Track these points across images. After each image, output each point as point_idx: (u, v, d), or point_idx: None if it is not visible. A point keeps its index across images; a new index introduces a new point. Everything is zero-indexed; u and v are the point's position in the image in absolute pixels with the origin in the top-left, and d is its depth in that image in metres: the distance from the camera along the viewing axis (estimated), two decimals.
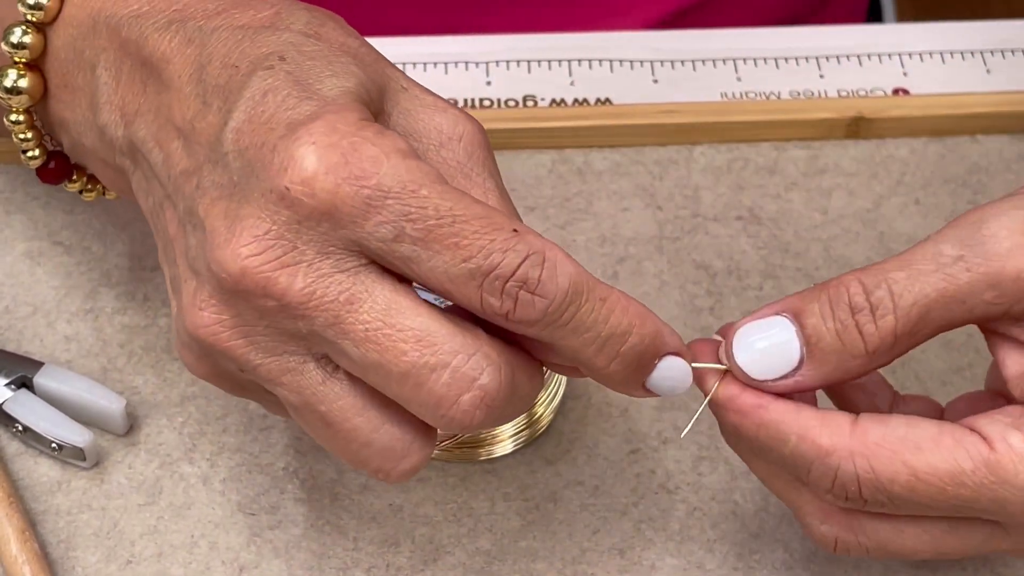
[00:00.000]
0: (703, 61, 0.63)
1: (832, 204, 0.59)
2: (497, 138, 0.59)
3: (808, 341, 0.43)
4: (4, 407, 0.53)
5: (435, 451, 0.51)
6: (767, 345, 0.43)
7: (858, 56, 0.64)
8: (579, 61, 0.63)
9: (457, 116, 0.44)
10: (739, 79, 0.63)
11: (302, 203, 0.40)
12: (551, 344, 0.42)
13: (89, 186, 0.52)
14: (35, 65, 0.49)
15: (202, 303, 0.42)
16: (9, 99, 0.49)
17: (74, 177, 0.52)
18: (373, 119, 0.42)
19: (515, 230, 0.40)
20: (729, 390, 0.44)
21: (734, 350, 0.43)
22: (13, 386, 0.53)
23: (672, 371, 0.43)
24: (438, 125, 0.44)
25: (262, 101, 0.42)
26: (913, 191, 0.60)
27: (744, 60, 0.63)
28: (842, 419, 0.43)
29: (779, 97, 0.62)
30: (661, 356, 0.43)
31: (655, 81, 0.63)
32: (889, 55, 0.63)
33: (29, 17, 0.48)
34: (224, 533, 0.51)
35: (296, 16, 0.44)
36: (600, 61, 0.63)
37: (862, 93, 0.62)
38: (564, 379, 0.53)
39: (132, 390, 0.54)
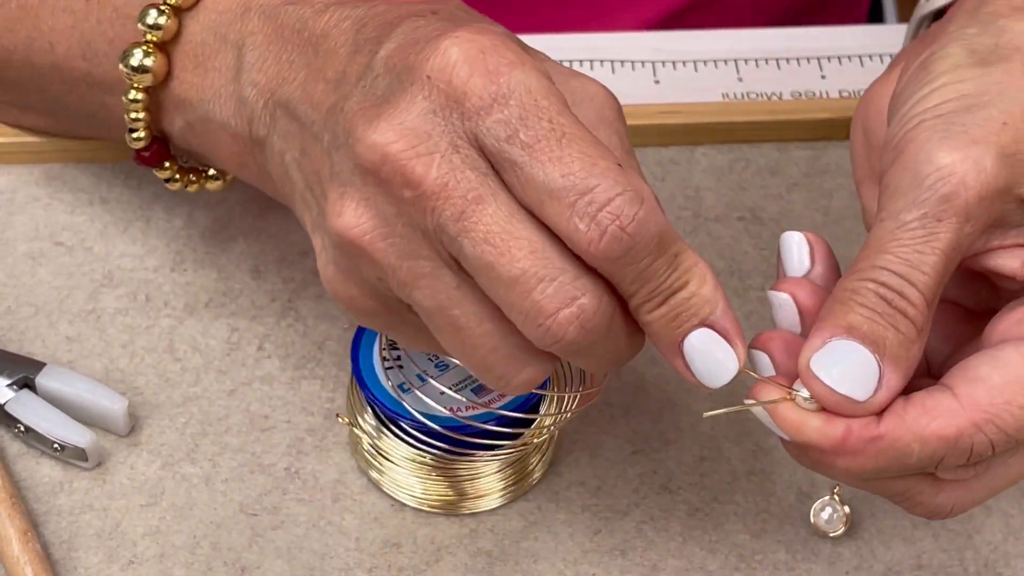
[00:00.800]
0: (705, 62, 0.63)
1: (834, 204, 0.59)
2: None
3: (876, 347, 0.42)
4: (6, 407, 0.53)
5: (425, 506, 0.52)
6: (846, 366, 0.42)
7: (859, 56, 0.64)
8: (581, 62, 0.63)
9: (590, 81, 0.46)
10: (740, 80, 0.63)
11: (437, 90, 0.42)
12: (615, 283, 0.42)
13: (177, 176, 0.54)
14: (163, 47, 0.50)
15: (344, 208, 0.43)
16: (133, 77, 0.51)
17: (167, 164, 0.54)
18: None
19: (620, 164, 0.41)
20: (829, 434, 0.42)
21: (824, 379, 0.42)
22: (15, 386, 0.53)
23: (710, 346, 0.43)
24: (573, 87, 0.45)
25: (413, 31, 0.44)
26: None
27: (746, 61, 0.63)
28: (946, 400, 0.42)
29: (781, 97, 0.62)
30: (703, 323, 0.43)
31: (657, 82, 0.63)
32: (890, 55, 0.64)
33: (169, 0, 0.50)
34: (226, 533, 0.51)
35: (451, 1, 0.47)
36: (602, 61, 0.63)
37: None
38: (557, 433, 0.53)
39: (134, 390, 0.54)
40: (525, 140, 0.41)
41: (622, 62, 0.63)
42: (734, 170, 0.60)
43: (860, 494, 0.52)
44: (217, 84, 0.50)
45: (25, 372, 0.53)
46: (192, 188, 0.55)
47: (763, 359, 0.45)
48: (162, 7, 0.50)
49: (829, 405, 0.43)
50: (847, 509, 0.51)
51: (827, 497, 0.51)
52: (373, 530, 0.51)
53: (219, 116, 0.50)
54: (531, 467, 0.52)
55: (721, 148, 0.61)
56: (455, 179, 0.42)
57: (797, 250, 0.46)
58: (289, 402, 0.54)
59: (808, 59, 0.64)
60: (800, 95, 0.62)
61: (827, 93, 0.62)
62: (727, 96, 0.62)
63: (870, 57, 0.64)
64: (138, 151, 0.53)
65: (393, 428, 0.51)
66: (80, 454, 0.52)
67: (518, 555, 0.51)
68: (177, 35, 0.51)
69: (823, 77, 0.63)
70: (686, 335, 0.43)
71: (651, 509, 0.52)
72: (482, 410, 0.50)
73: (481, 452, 0.50)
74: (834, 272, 0.46)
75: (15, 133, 0.59)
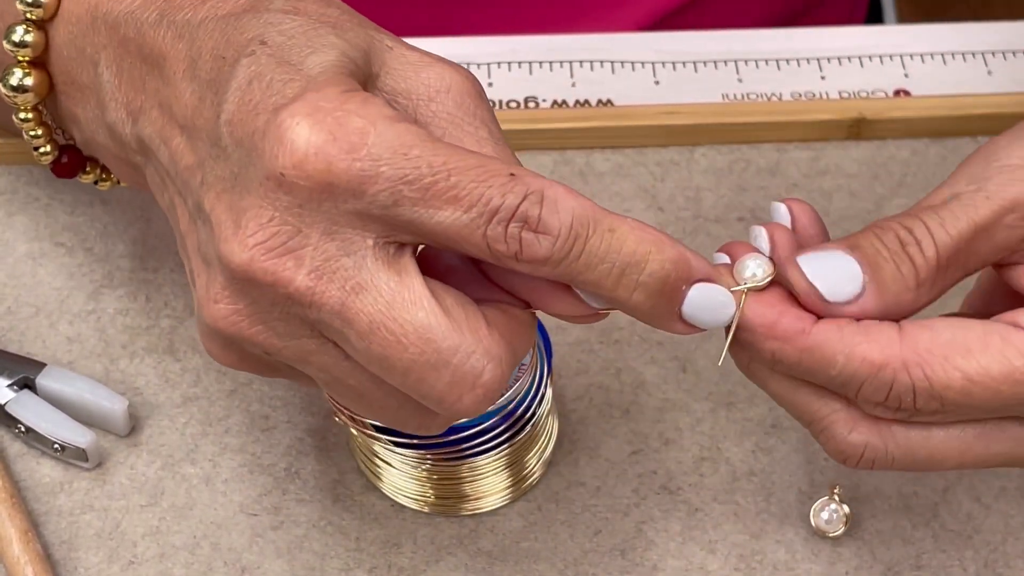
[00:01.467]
0: (704, 62, 0.63)
1: (833, 205, 0.59)
2: None
3: (870, 266, 0.42)
4: (6, 408, 0.53)
5: (425, 507, 0.52)
6: (834, 268, 0.42)
7: (859, 57, 0.64)
8: (581, 62, 0.63)
9: (444, 68, 0.44)
10: (740, 80, 0.63)
11: (299, 186, 0.40)
12: (575, 283, 0.42)
13: (103, 176, 0.53)
14: (39, 62, 0.49)
15: (216, 295, 0.42)
16: (15, 97, 0.49)
17: (87, 169, 0.52)
18: (359, 87, 0.42)
19: (512, 173, 0.40)
20: (764, 315, 0.43)
21: (805, 269, 0.42)
22: (15, 387, 0.53)
23: (706, 298, 0.42)
24: (425, 80, 0.44)
25: (248, 89, 0.42)
26: (914, 192, 0.60)
27: (745, 61, 0.63)
28: (888, 330, 0.42)
29: (780, 98, 0.62)
30: (690, 282, 0.42)
31: (657, 82, 0.63)
32: (890, 56, 0.63)
33: (28, 15, 0.48)
34: (226, 534, 0.51)
35: None
36: (602, 62, 0.63)
37: (863, 94, 0.62)
38: (555, 432, 0.52)
39: (134, 391, 0.54)
40: (413, 196, 0.40)
41: (622, 63, 0.63)
42: (734, 171, 0.60)
43: (860, 495, 0.52)
44: (90, 105, 0.48)
45: (25, 372, 0.53)
46: (125, 183, 0.52)
47: (760, 234, 0.45)
48: (25, 23, 0.48)
49: (800, 296, 0.43)
50: (847, 509, 0.51)
51: (827, 497, 0.51)
52: (373, 530, 0.51)
53: (99, 138, 0.48)
54: (530, 467, 0.52)
55: (721, 149, 0.61)
56: (329, 271, 0.41)
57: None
58: (289, 402, 0.54)
59: (808, 60, 0.64)
60: (800, 96, 0.62)
61: (827, 94, 0.62)
62: (727, 97, 0.62)
63: (869, 58, 0.64)
64: (51, 166, 0.51)
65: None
66: (80, 454, 0.52)
67: (518, 555, 0.51)
68: (47, 49, 0.48)
69: (823, 78, 0.63)
70: (681, 303, 0.42)
71: (651, 509, 0.52)
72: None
73: (482, 453, 0.50)
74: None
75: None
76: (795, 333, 0.42)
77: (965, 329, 0.42)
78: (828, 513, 0.51)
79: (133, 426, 0.54)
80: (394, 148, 0.40)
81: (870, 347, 0.42)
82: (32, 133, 0.50)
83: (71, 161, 0.51)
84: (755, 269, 0.43)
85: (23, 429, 0.53)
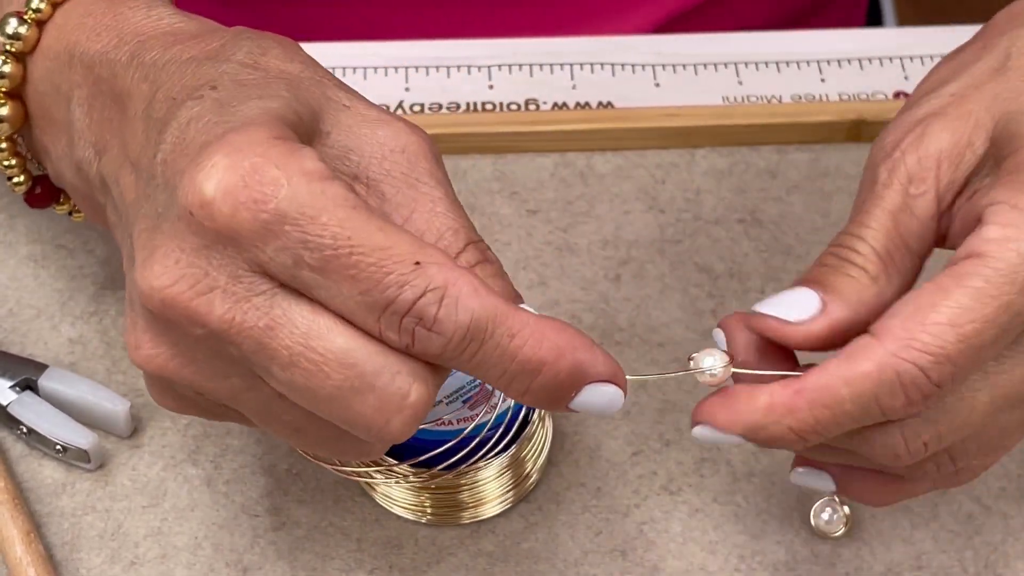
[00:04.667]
0: (704, 64, 0.63)
1: (833, 207, 0.59)
2: (500, 141, 0.60)
3: (820, 284, 0.43)
4: (9, 409, 0.53)
5: (424, 518, 0.51)
6: (788, 299, 0.43)
7: (859, 60, 0.64)
8: (581, 65, 0.63)
9: (399, 128, 0.43)
10: (740, 82, 0.63)
11: (204, 228, 0.40)
12: (467, 372, 0.41)
13: (76, 208, 0.52)
14: (15, 94, 0.49)
15: (139, 338, 0.42)
16: None
17: (61, 200, 0.52)
18: (293, 138, 0.41)
19: (417, 262, 0.39)
20: (754, 404, 0.42)
21: (763, 309, 0.43)
22: (18, 388, 0.53)
23: (596, 397, 0.42)
24: (380, 139, 0.43)
25: (186, 128, 0.41)
26: None
27: (745, 64, 0.63)
28: (861, 340, 0.42)
29: (780, 100, 0.63)
30: (582, 386, 0.42)
31: (657, 85, 0.63)
32: (890, 59, 0.64)
33: (8, 47, 0.48)
34: (228, 535, 0.51)
35: (240, 46, 0.44)
36: (602, 65, 0.63)
37: (863, 96, 0.62)
38: (550, 434, 0.52)
39: (136, 392, 0.54)
40: (312, 264, 0.39)
41: (622, 65, 0.63)
42: (734, 173, 0.60)
43: None
44: (61, 142, 0.48)
45: (27, 374, 0.53)
46: (93, 222, 0.51)
47: (719, 336, 0.45)
48: (3, 55, 0.48)
49: (767, 331, 0.43)
50: (847, 510, 0.51)
51: (827, 498, 0.51)
52: (374, 531, 0.51)
53: (68, 176, 0.48)
54: (527, 471, 0.52)
55: (721, 151, 0.61)
56: (241, 311, 0.40)
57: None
58: None
59: (808, 62, 0.64)
60: (800, 98, 0.62)
61: (826, 96, 0.62)
62: (727, 99, 0.63)
63: (869, 60, 0.64)
64: (24, 196, 0.51)
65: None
66: (82, 456, 0.52)
67: (519, 556, 0.51)
68: (24, 80, 0.48)
69: (823, 80, 0.63)
70: (568, 402, 0.42)
71: (651, 510, 0.52)
72: (473, 423, 0.49)
73: (478, 464, 0.50)
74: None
75: None
76: (792, 397, 0.42)
77: (919, 293, 0.42)
78: (828, 514, 0.51)
79: (135, 427, 0.54)
80: (303, 209, 0.39)
81: (859, 362, 0.42)
82: (6, 163, 0.50)
83: (44, 192, 0.51)
84: (712, 363, 0.44)
85: (25, 431, 0.53)
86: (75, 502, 0.52)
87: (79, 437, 0.52)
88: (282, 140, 0.40)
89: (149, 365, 0.42)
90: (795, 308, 0.43)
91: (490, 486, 0.51)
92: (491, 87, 0.62)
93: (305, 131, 0.42)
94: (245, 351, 0.40)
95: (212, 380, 0.42)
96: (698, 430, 0.43)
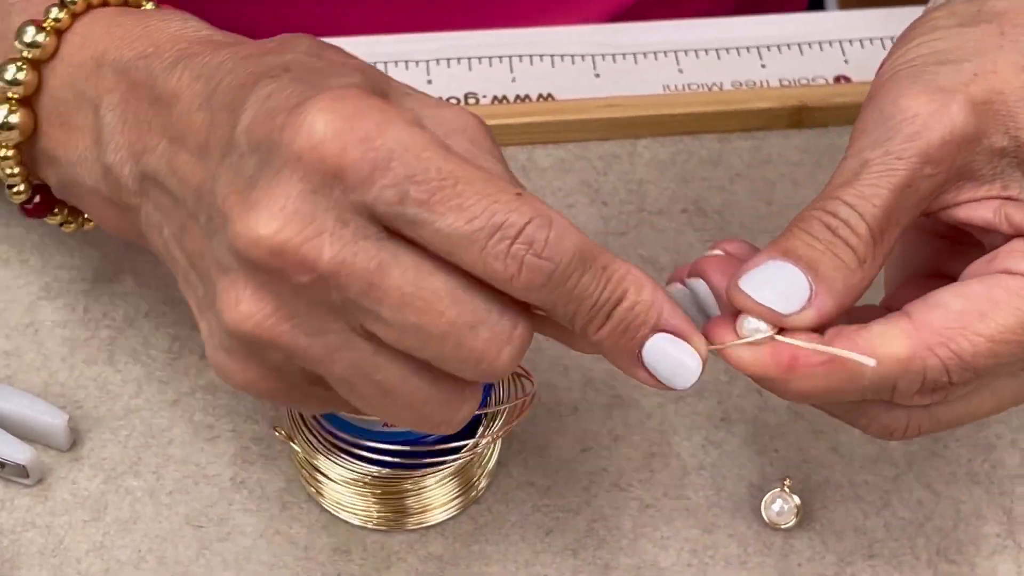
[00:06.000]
0: (644, 54, 0.63)
1: (777, 194, 0.59)
2: None
3: (810, 268, 0.43)
4: None
5: (369, 523, 0.51)
6: (777, 280, 0.43)
7: (799, 45, 0.64)
8: (520, 57, 0.63)
9: (460, 110, 0.45)
10: (681, 71, 0.63)
11: (313, 169, 0.41)
12: (550, 309, 0.42)
13: (69, 218, 0.52)
14: (27, 101, 0.49)
15: (239, 297, 0.42)
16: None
17: (56, 211, 0.52)
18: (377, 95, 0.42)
19: (519, 193, 0.41)
20: (779, 356, 0.43)
21: (751, 293, 0.43)
22: None
23: (669, 350, 0.42)
24: (443, 117, 0.44)
25: (267, 100, 0.42)
26: None
27: (685, 52, 0.63)
28: (899, 322, 0.43)
29: (721, 88, 0.62)
30: (655, 329, 0.42)
31: (597, 75, 0.62)
32: (830, 43, 0.64)
33: (25, 54, 0.48)
34: (172, 547, 0.51)
35: (299, 42, 0.45)
36: (541, 57, 0.63)
37: (804, 82, 0.62)
38: (499, 446, 0.52)
39: (74, 404, 0.54)
40: (418, 198, 0.40)
41: (562, 56, 0.63)
42: (676, 162, 0.60)
43: (810, 486, 0.52)
44: (81, 146, 0.48)
45: None
46: (90, 226, 0.53)
47: (700, 285, 0.45)
48: (20, 62, 0.48)
49: (750, 313, 0.43)
50: (798, 500, 0.51)
51: (778, 489, 0.51)
52: (322, 538, 0.51)
53: (87, 181, 0.48)
54: (475, 478, 0.52)
55: (663, 140, 0.61)
56: (351, 254, 0.41)
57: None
58: (233, 411, 0.54)
59: (748, 48, 0.64)
60: (741, 85, 0.62)
61: (767, 82, 0.62)
62: (668, 88, 0.62)
63: (809, 45, 0.64)
64: (20, 204, 0.51)
65: (332, 444, 0.50)
66: (21, 471, 0.51)
67: (469, 559, 0.51)
68: (39, 89, 0.48)
69: (763, 66, 0.63)
70: (641, 345, 0.42)
71: (602, 507, 0.52)
72: None
73: (430, 467, 0.50)
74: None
75: None
76: (815, 366, 0.42)
77: (969, 295, 0.43)
78: (779, 505, 0.51)
79: (74, 440, 0.53)
80: (407, 146, 0.40)
81: (892, 345, 0.42)
82: (9, 171, 0.50)
83: (43, 202, 0.51)
84: (757, 325, 0.43)
85: None
86: (14, 518, 0.51)
87: (17, 452, 0.51)
88: (376, 96, 0.42)
89: (247, 323, 0.42)
90: (785, 295, 0.43)
91: (438, 490, 0.51)
92: (429, 82, 0.62)
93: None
94: (353, 294, 0.41)
95: (311, 338, 0.42)
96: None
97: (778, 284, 0.43)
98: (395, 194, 0.40)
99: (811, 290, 0.43)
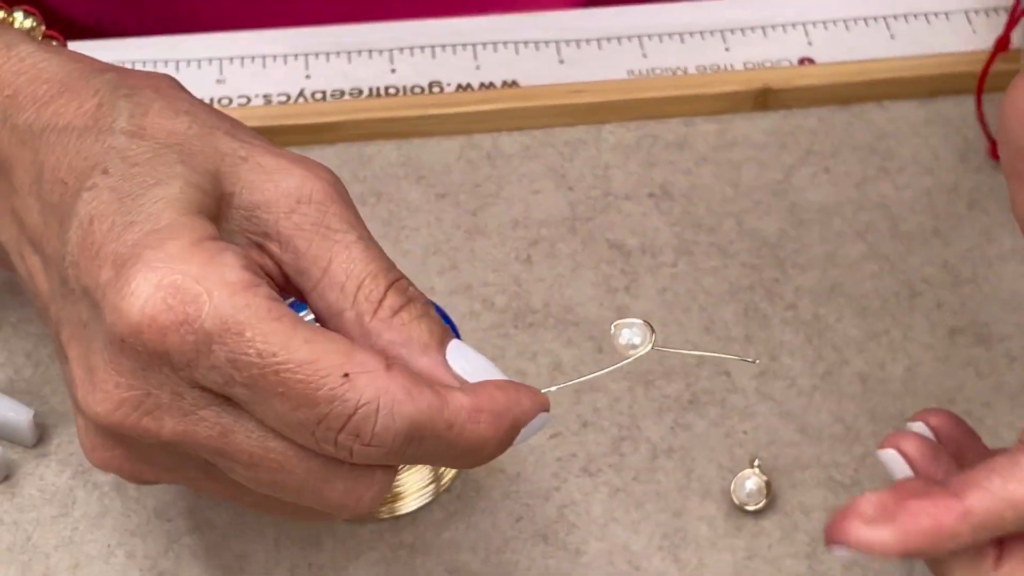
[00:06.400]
0: (608, 39, 0.63)
1: (743, 177, 0.59)
2: (404, 126, 0.59)
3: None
4: None
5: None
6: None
7: (763, 28, 0.63)
8: (484, 44, 0.63)
9: (304, 175, 0.43)
10: (645, 56, 0.62)
11: (138, 352, 0.40)
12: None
13: None
14: None
15: (92, 443, 0.42)
16: None
17: None
18: (209, 229, 0.41)
19: (346, 374, 0.39)
20: (920, 522, 0.41)
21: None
22: None
23: (531, 431, 0.43)
24: (285, 191, 0.42)
25: (89, 230, 0.41)
26: (823, 160, 0.60)
27: (649, 36, 0.63)
28: (1007, 458, 0.41)
29: (686, 72, 0.62)
30: (519, 432, 0.43)
31: (561, 61, 0.62)
32: (793, 25, 0.63)
33: None
34: (141, 541, 0.51)
35: (119, 110, 0.43)
36: (505, 43, 0.63)
37: (768, 64, 0.62)
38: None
39: (40, 400, 0.53)
40: (242, 381, 0.39)
41: (526, 43, 0.63)
42: (642, 147, 0.60)
43: (780, 466, 0.52)
44: None
45: None
46: None
47: (897, 461, 0.44)
48: None
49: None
50: (767, 481, 0.51)
51: (747, 470, 0.51)
52: (291, 529, 0.51)
53: None
54: (445, 469, 0.51)
55: (628, 125, 0.60)
56: (191, 424, 0.40)
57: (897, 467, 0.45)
58: None
59: (712, 32, 0.63)
60: (705, 69, 0.62)
61: (732, 66, 0.62)
62: (632, 73, 0.62)
63: (773, 27, 0.63)
64: None
65: None
66: None
67: (440, 547, 0.50)
68: None
69: (727, 50, 0.63)
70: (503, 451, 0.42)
71: (572, 493, 0.52)
72: None
73: None
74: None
75: None
76: (956, 521, 0.41)
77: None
78: (749, 486, 0.51)
79: (40, 436, 0.52)
80: (228, 326, 0.39)
81: (1017, 481, 0.41)
82: None
83: None
84: (631, 337, 0.44)
85: None
86: None
87: None
88: (199, 247, 0.40)
89: (106, 466, 0.43)
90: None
91: (409, 479, 0.51)
92: (393, 71, 0.62)
93: (212, 202, 0.42)
94: (205, 454, 0.41)
95: (171, 473, 0.42)
96: (843, 552, 0.42)
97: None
98: (220, 376, 0.40)
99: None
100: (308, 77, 0.61)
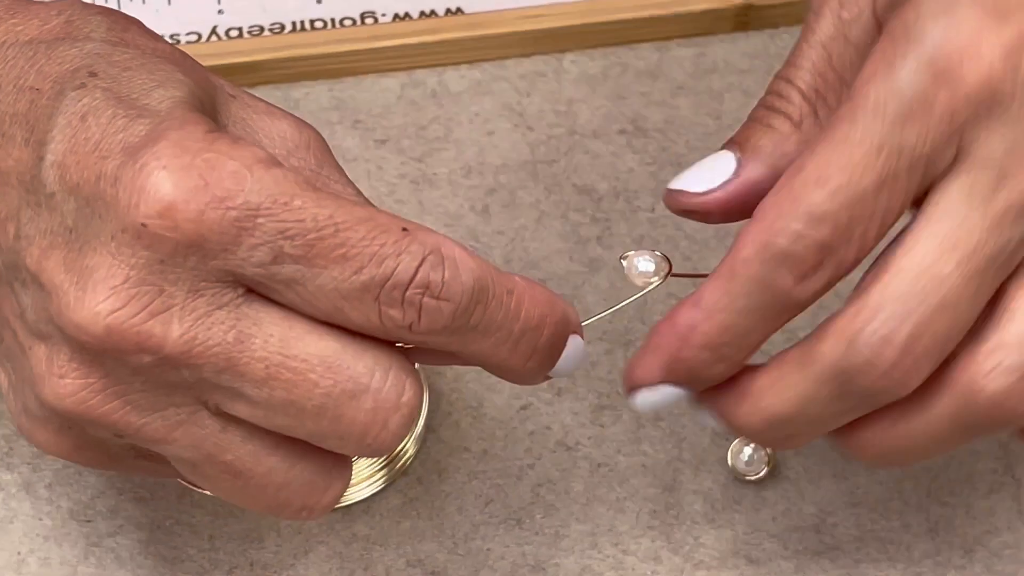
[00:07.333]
0: None
1: (725, 107, 0.57)
2: (335, 63, 0.57)
3: (740, 143, 0.42)
4: None
5: None
6: (702, 167, 0.42)
7: None
8: None
9: (299, 122, 0.43)
10: None
11: (164, 239, 0.37)
12: (462, 351, 0.40)
13: None
14: None
15: (61, 369, 0.39)
16: None
17: None
18: (222, 130, 0.40)
19: (404, 229, 0.39)
20: (661, 336, 0.41)
21: (674, 185, 0.42)
22: None
23: (574, 353, 0.42)
24: (282, 132, 0.42)
25: (82, 126, 0.39)
26: None
27: None
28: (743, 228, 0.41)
29: None
30: (567, 338, 0.42)
31: None
32: None
33: None
34: (56, 546, 0.48)
35: (93, 22, 0.42)
36: None
37: None
38: (425, 407, 0.50)
39: None
40: (295, 253, 0.38)
41: None
42: (609, 77, 0.57)
43: None
44: None
45: None
46: None
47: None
48: None
49: (678, 207, 0.43)
50: (768, 448, 0.49)
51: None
52: (229, 525, 0.48)
53: None
54: (401, 446, 0.49)
55: (593, 54, 0.57)
56: (204, 328, 0.38)
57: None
58: None
59: None
60: None
61: None
62: None
63: None
64: None
65: None
66: None
67: (400, 537, 0.48)
68: None
69: None
70: (556, 362, 0.42)
71: (548, 470, 0.50)
72: None
73: None
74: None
75: None
76: (688, 309, 0.41)
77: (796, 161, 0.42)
78: (748, 454, 0.49)
79: None
80: (274, 196, 0.38)
81: (736, 252, 0.40)
82: None
83: None
84: (646, 266, 0.44)
85: None
86: None
87: None
88: (219, 132, 0.39)
89: (70, 402, 0.39)
90: (708, 175, 0.42)
91: (359, 462, 0.48)
92: (319, 2, 0.58)
93: (215, 124, 0.41)
94: (207, 374, 0.39)
95: (144, 416, 0.39)
96: (638, 399, 0.42)
97: (702, 169, 0.42)
98: (267, 253, 0.38)
99: (737, 164, 0.42)
100: (221, 12, 0.58)
